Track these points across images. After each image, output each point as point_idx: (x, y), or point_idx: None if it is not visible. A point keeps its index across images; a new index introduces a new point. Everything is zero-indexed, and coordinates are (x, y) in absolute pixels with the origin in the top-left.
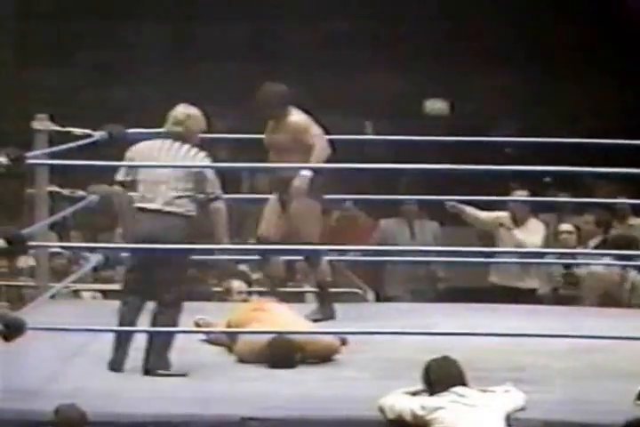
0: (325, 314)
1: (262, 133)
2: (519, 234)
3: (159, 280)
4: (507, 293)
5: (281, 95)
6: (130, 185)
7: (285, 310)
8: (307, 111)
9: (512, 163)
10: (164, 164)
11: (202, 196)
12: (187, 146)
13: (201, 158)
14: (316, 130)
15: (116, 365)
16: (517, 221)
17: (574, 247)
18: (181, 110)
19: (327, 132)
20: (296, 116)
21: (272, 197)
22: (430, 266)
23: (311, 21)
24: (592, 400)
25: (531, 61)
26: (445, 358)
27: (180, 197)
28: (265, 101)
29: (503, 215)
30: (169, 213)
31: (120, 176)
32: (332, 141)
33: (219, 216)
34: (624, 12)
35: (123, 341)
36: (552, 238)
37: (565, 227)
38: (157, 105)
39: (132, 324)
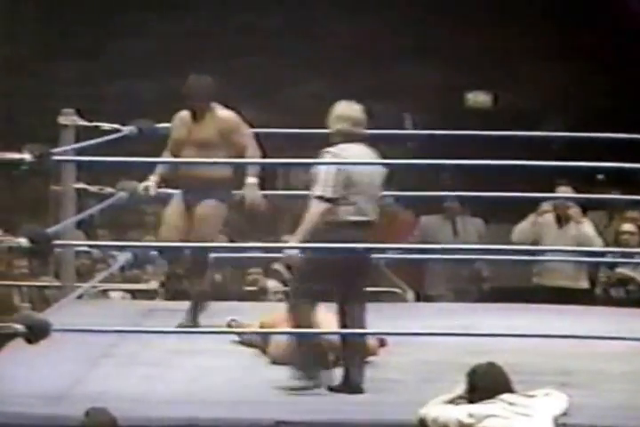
0: (192, 322)
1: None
2: (564, 231)
3: (357, 284)
4: (554, 293)
5: (207, 88)
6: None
7: (320, 311)
8: (231, 107)
9: (559, 158)
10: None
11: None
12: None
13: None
14: (245, 129)
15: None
16: (561, 219)
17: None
18: (357, 108)
19: (255, 133)
20: (226, 112)
21: (177, 195)
22: (474, 265)
23: (350, 12)
24: None
25: (580, 52)
26: (491, 365)
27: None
28: (191, 93)
29: (540, 218)
30: (373, 222)
31: (329, 193)
32: (260, 143)
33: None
34: None
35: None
36: (604, 237)
37: (627, 227)
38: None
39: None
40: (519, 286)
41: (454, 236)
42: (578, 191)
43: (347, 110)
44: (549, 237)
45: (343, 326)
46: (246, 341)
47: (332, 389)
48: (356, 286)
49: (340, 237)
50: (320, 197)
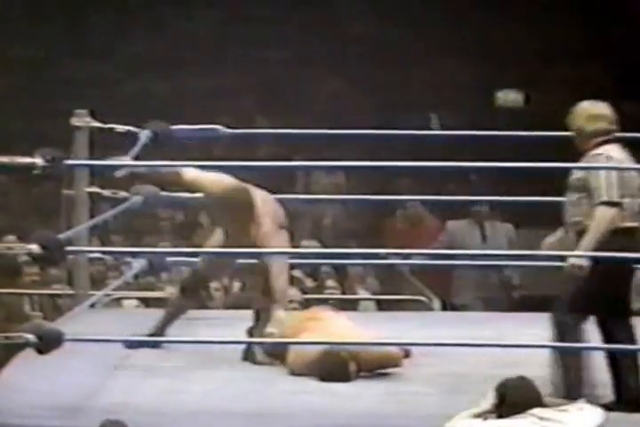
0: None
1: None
2: None
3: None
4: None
5: None
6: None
7: (341, 320)
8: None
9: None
10: None
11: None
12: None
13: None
14: None
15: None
16: None
17: None
18: (606, 106)
19: None
20: None
21: None
22: (504, 272)
23: (376, 9)
24: None
25: (615, 50)
26: (522, 378)
27: None
28: None
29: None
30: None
31: (616, 197)
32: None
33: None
34: None
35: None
36: None
37: None
38: (201, 98)
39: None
40: (551, 295)
41: (482, 241)
42: None
43: (600, 109)
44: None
45: (610, 341)
46: (266, 350)
47: (605, 406)
48: (625, 298)
49: (619, 245)
50: (607, 203)
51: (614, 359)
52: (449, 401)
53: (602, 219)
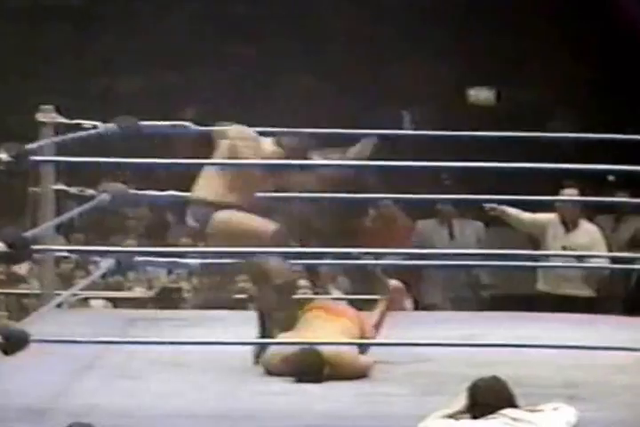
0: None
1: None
2: (569, 237)
3: None
4: (558, 301)
5: None
6: None
7: (331, 319)
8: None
9: (568, 157)
10: None
11: None
12: None
13: None
14: None
15: None
16: (567, 224)
17: None
18: None
19: None
20: None
21: None
22: (472, 271)
23: (348, 5)
24: None
25: (587, 47)
26: (494, 378)
27: None
28: None
29: (551, 218)
30: None
31: None
32: None
33: None
34: None
35: None
36: (613, 241)
37: None
38: (172, 94)
39: None
40: (522, 294)
41: (450, 240)
42: (586, 193)
43: None
44: (554, 242)
45: None
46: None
47: None
48: None
49: None
50: None
51: None
52: (421, 402)
53: None
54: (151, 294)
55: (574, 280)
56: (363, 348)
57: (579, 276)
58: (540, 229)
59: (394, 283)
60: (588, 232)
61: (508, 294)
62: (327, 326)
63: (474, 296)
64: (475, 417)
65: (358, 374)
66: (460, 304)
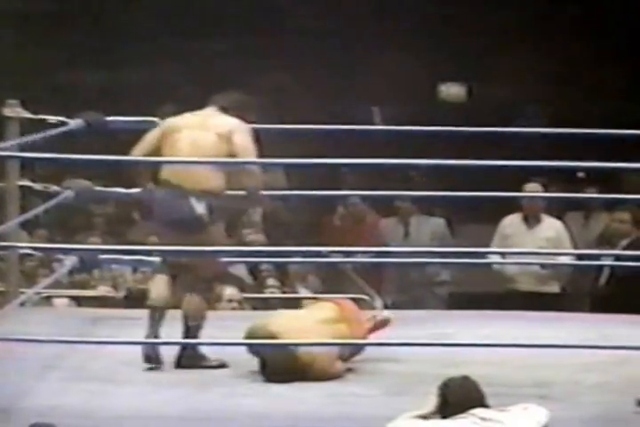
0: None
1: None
2: (532, 233)
3: None
4: (522, 297)
5: None
6: None
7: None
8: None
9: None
10: None
11: None
12: None
13: None
14: None
15: None
16: (529, 220)
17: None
18: None
19: None
20: None
21: None
22: (427, 269)
23: (317, 1)
24: (625, 418)
25: (558, 42)
26: (465, 378)
27: None
28: None
29: (511, 218)
30: None
31: None
32: None
33: None
34: None
35: None
36: (584, 238)
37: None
38: (141, 89)
39: None
40: (482, 292)
41: (405, 237)
42: (555, 190)
43: None
44: (516, 239)
45: None
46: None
47: None
48: None
49: None
50: None
51: None
52: (391, 402)
53: None
54: (120, 295)
55: (539, 277)
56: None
57: (543, 272)
58: (508, 235)
59: (386, 315)
60: (551, 226)
61: (468, 291)
62: (305, 314)
63: (430, 294)
64: (444, 417)
65: (327, 377)
66: (418, 303)
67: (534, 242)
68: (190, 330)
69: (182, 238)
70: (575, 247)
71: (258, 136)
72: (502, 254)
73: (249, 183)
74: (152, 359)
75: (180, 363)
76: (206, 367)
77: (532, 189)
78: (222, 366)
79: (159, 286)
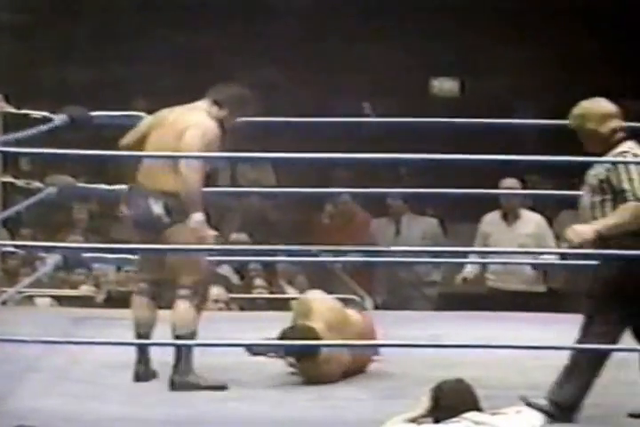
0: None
1: None
2: (512, 229)
3: None
4: (508, 297)
5: None
6: None
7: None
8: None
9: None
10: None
11: None
12: None
13: None
14: None
15: None
16: (508, 216)
17: None
18: (607, 102)
19: None
20: None
21: None
22: (418, 269)
23: None
24: (618, 422)
25: (558, 32)
26: (458, 381)
27: None
28: None
29: (489, 216)
30: None
31: None
32: None
33: None
34: None
35: None
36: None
37: None
38: (125, 84)
39: None
40: (472, 292)
41: (395, 236)
42: (550, 188)
43: (608, 107)
44: (496, 237)
45: None
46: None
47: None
48: None
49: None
50: None
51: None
52: (382, 406)
53: (633, 211)
54: (101, 297)
55: (524, 276)
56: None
57: (527, 271)
58: (488, 233)
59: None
60: (530, 221)
61: (457, 291)
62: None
63: (421, 295)
64: (437, 421)
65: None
66: (408, 303)
67: (515, 239)
68: (181, 340)
69: (145, 239)
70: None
71: (239, 132)
72: (486, 254)
73: (182, 187)
74: (141, 378)
75: (174, 386)
76: (203, 389)
77: (510, 185)
78: (222, 388)
79: (142, 311)
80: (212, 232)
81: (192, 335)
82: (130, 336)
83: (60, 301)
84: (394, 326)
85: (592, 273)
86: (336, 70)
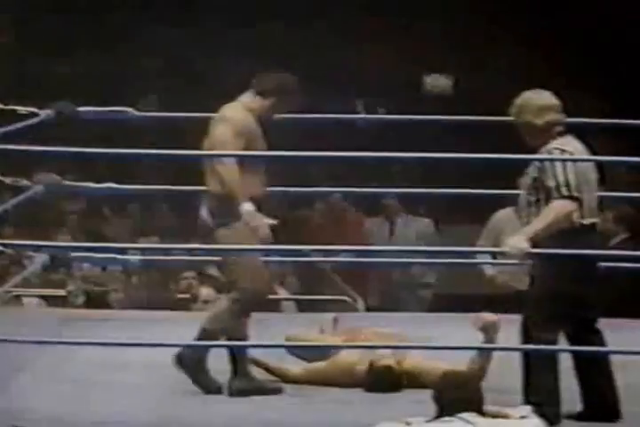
0: None
1: None
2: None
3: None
4: (508, 298)
5: None
6: None
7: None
8: None
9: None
10: None
11: None
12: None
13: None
14: None
15: None
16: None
17: None
18: (549, 95)
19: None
20: None
21: None
22: (412, 270)
23: None
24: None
25: (545, 35)
26: (462, 378)
27: None
28: None
29: (506, 212)
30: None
31: (575, 193)
32: None
33: None
34: None
35: None
36: None
37: None
38: (113, 79)
39: None
40: (466, 293)
41: (390, 236)
42: None
43: (547, 99)
44: (510, 234)
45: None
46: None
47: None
48: (594, 304)
49: (583, 243)
50: (570, 197)
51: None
52: (370, 410)
53: (557, 209)
54: (80, 301)
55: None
56: None
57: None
58: (501, 229)
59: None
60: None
61: (453, 293)
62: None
63: (414, 296)
64: (430, 420)
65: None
66: (401, 305)
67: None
68: (206, 333)
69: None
70: None
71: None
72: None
73: (221, 185)
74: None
75: (182, 362)
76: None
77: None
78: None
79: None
80: (267, 220)
81: (213, 335)
82: (117, 336)
83: (48, 300)
84: (390, 328)
85: (529, 274)
86: (329, 68)
